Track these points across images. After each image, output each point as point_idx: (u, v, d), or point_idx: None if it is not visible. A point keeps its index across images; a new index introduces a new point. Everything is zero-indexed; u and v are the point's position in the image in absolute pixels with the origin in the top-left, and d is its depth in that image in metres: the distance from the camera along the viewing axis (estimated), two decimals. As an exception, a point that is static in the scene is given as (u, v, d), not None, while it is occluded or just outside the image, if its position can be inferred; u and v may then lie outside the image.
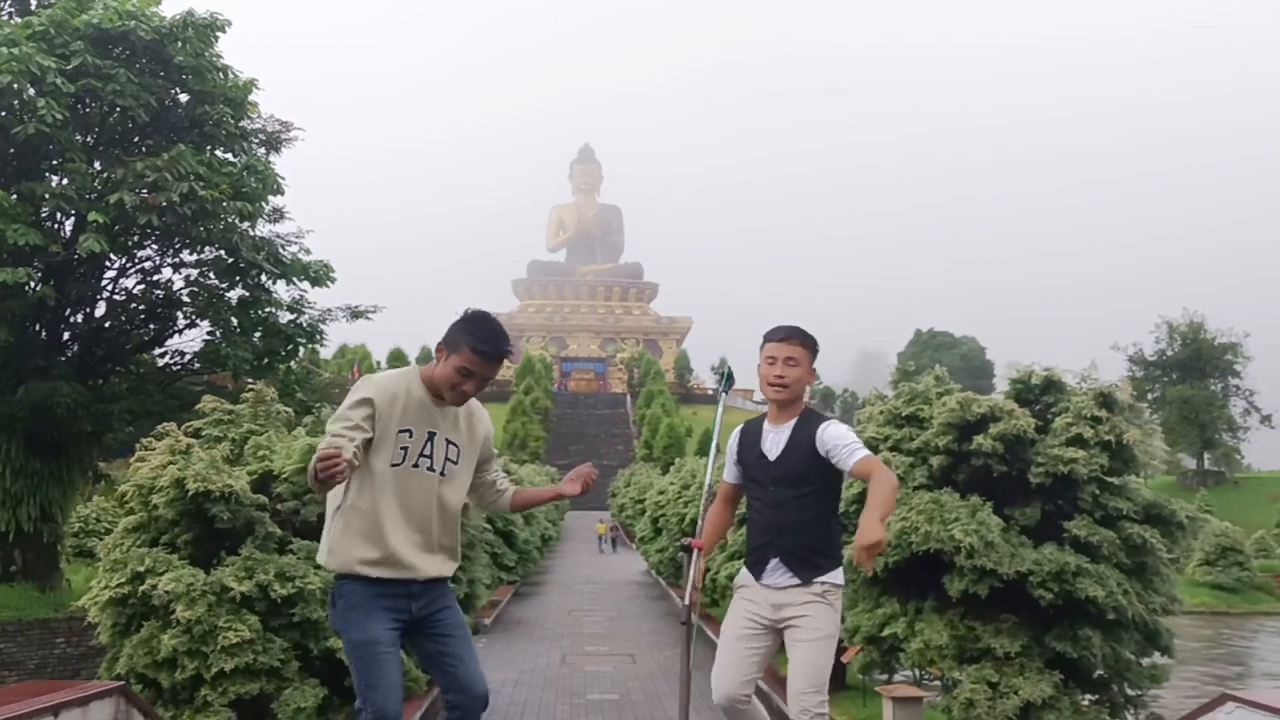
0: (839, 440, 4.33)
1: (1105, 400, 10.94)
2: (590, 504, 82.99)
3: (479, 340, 4.06)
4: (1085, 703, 10.89)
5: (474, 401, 4.32)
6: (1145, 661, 10.95)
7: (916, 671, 13.90)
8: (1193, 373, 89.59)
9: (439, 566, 4.20)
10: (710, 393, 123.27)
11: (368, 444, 3.98)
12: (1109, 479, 10.90)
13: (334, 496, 4.10)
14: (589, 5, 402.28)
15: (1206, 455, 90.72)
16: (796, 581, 4.29)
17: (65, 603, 19.76)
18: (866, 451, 4.36)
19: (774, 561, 4.30)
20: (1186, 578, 50.26)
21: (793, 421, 4.41)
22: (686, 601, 4.06)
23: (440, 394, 4.13)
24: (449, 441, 4.18)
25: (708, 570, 4.15)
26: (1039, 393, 11.59)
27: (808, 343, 4.54)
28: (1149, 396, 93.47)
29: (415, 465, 4.10)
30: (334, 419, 3.97)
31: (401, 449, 4.06)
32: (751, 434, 4.48)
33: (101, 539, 31.18)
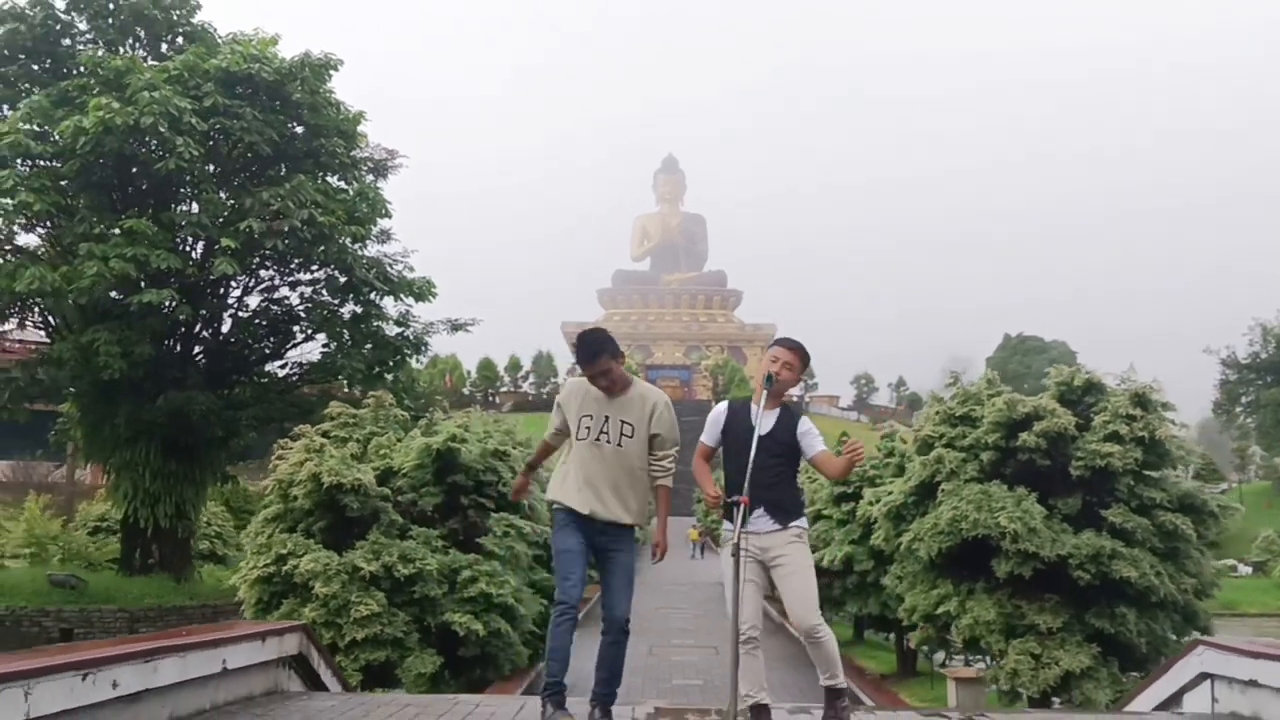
0: (811, 433, 5.82)
1: (1140, 400, 12.05)
2: (677, 509, 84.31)
3: (577, 356, 5.92)
4: (1124, 677, 11.98)
5: (651, 391, 6.10)
6: (1186, 640, 11.96)
7: (963, 655, 15.03)
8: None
9: (616, 513, 5.77)
10: (795, 399, 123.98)
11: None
12: (1146, 471, 12.00)
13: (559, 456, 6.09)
14: (663, 9, 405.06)
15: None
16: (776, 526, 5.67)
17: (198, 592, 21.72)
18: (824, 446, 5.88)
19: (759, 511, 5.65)
20: (1274, 579, 50.10)
21: (779, 409, 5.79)
22: (735, 539, 5.47)
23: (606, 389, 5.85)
24: (622, 421, 5.80)
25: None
26: (1081, 394, 12.73)
27: (803, 355, 5.96)
28: (1242, 400, 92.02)
29: (596, 440, 5.78)
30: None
31: (585, 428, 5.79)
32: (740, 411, 5.84)
33: (213, 540, 33.41)
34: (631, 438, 5.81)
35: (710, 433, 6.00)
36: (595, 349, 5.82)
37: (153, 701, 5.27)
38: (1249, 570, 56.32)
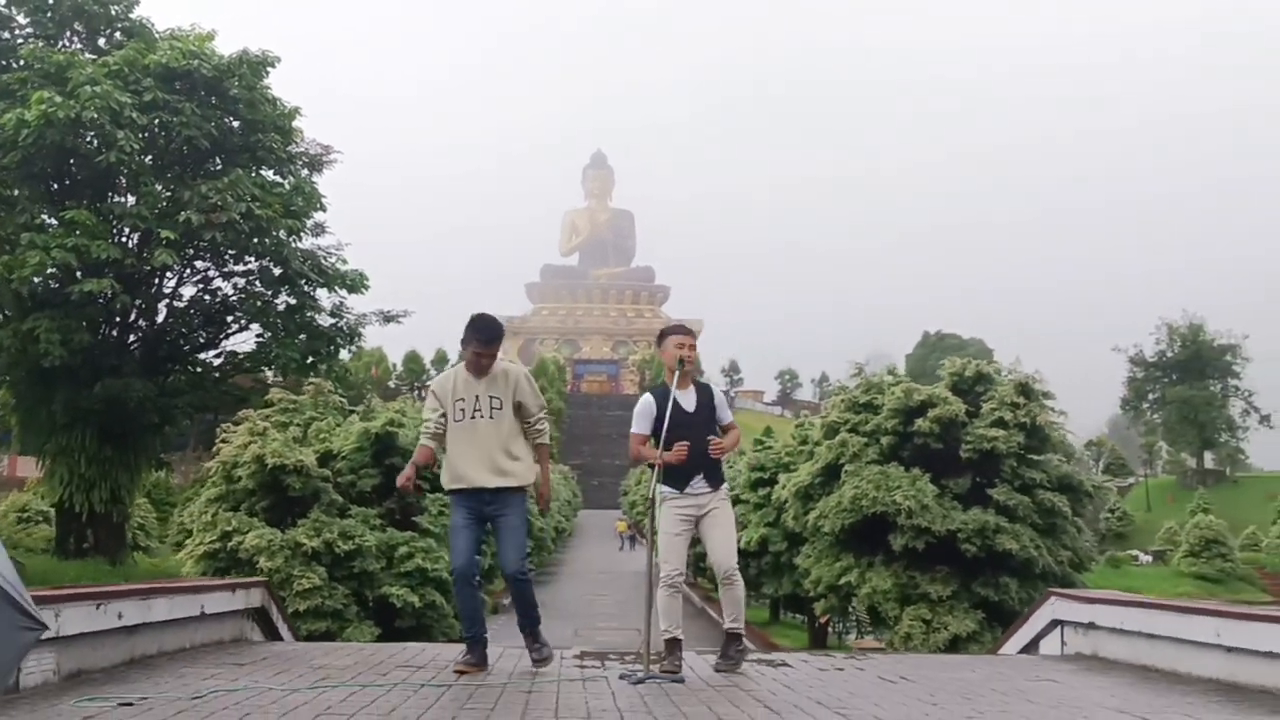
0: (724, 403, 6.95)
1: (1024, 389, 13.25)
2: (602, 502, 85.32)
3: (479, 336, 6.58)
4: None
5: (511, 367, 6.84)
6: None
7: (872, 632, 16.22)
8: (1192, 374, 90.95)
9: (497, 481, 6.57)
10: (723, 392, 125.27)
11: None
12: (1029, 454, 13.20)
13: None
14: (597, 8, 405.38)
15: (1207, 455, 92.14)
16: (709, 489, 6.65)
17: (133, 575, 22.14)
18: (732, 418, 6.97)
19: (698, 477, 6.63)
20: (1172, 568, 52.44)
21: (693, 386, 6.76)
22: (652, 495, 6.47)
23: (475, 372, 6.61)
24: (491, 396, 6.60)
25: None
26: (971, 383, 13.92)
27: (694, 336, 7.03)
28: (1149, 397, 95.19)
29: (471, 418, 6.55)
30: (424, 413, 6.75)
31: (460, 410, 6.55)
32: (662, 396, 6.74)
33: (135, 532, 33.62)
34: (501, 409, 6.60)
35: (642, 423, 6.82)
36: (498, 332, 6.70)
37: (146, 635, 6.11)
38: (1149, 559, 58.76)
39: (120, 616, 5.64)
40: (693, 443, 6.50)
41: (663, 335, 7.00)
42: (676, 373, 6.71)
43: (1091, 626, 7.76)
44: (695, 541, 6.89)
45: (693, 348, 6.83)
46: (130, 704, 4.73)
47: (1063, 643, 8.19)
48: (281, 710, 4.76)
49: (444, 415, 6.61)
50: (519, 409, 6.68)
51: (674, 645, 6.56)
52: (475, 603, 6.60)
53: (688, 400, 6.69)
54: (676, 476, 6.57)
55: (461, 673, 6.20)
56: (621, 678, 6.19)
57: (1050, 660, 7.87)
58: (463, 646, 6.69)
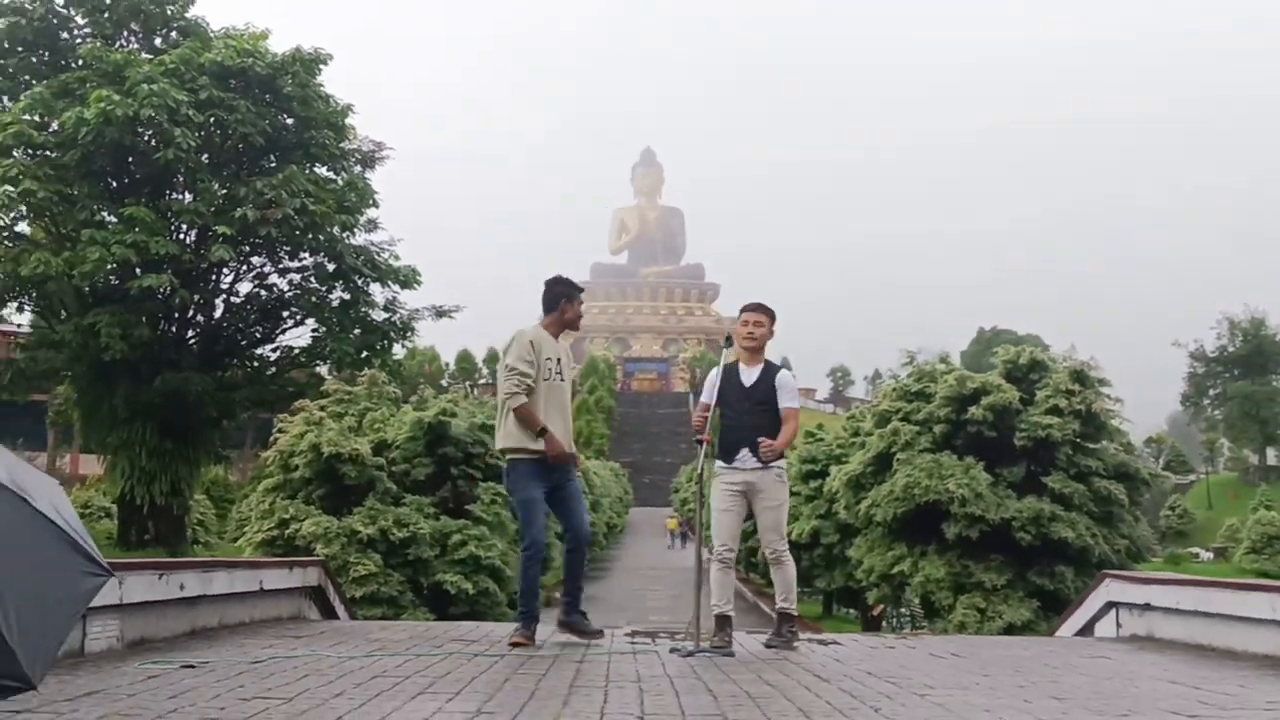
0: (786, 386, 6.76)
1: (1079, 376, 13.12)
2: (653, 500, 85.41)
3: (569, 292, 6.73)
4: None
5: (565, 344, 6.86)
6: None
7: (926, 625, 16.09)
8: (1254, 368, 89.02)
9: (570, 445, 6.63)
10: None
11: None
12: (1084, 442, 13.07)
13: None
14: (640, 5, 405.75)
15: (1270, 451, 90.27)
16: (758, 465, 6.60)
17: (193, 566, 22.55)
18: (796, 403, 6.77)
19: (744, 451, 6.62)
20: (1234, 565, 51.53)
21: (760, 365, 6.76)
22: (702, 472, 6.51)
23: (555, 334, 6.63)
24: (560, 360, 6.62)
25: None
26: (1025, 371, 13.81)
27: (769, 313, 6.94)
28: (1210, 393, 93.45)
29: (556, 378, 6.57)
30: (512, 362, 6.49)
31: (549, 370, 6.52)
32: (731, 371, 6.78)
33: (194, 529, 34.20)
34: (565, 375, 6.68)
35: (707, 393, 6.87)
36: (580, 287, 6.85)
37: (207, 607, 6.25)
38: (1210, 556, 57.81)
39: (182, 588, 5.77)
40: (744, 417, 6.52)
41: (741, 311, 7.03)
42: (725, 346, 6.76)
43: (1147, 608, 7.68)
44: (749, 534, 6.88)
45: (759, 324, 6.81)
46: (192, 666, 4.85)
47: (1118, 625, 8.11)
48: (339, 673, 4.85)
49: (534, 369, 6.45)
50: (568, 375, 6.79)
51: (724, 622, 6.56)
52: (539, 578, 6.66)
53: (749, 376, 6.71)
54: (725, 449, 6.60)
55: (517, 644, 6.24)
56: (672, 651, 6.22)
57: (1105, 641, 7.80)
58: (512, 625, 6.73)
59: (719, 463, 6.63)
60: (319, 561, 8.10)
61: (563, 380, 6.60)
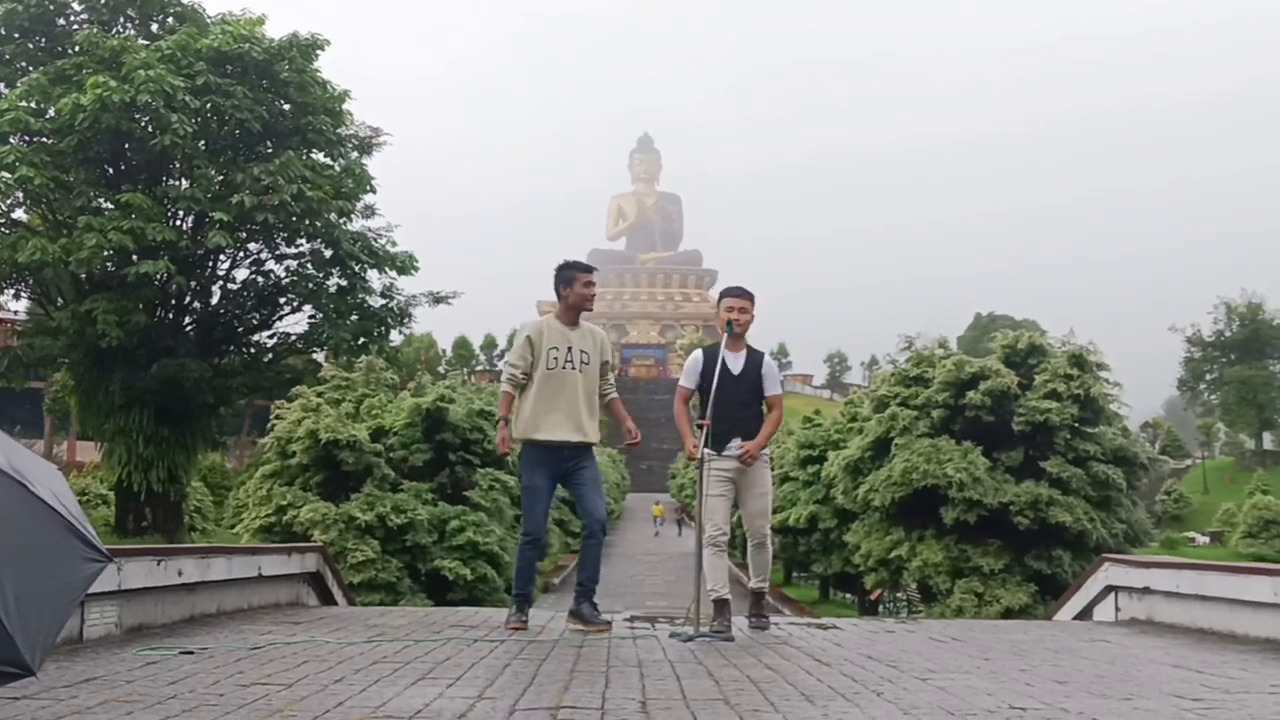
0: (772, 373, 6.82)
1: (1077, 360, 13.10)
2: (650, 486, 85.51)
3: (577, 268, 6.69)
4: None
5: (595, 326, 6.85)
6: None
7: (922, 610, 16.16)
8: (1251, 353, 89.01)
9: (581, 435, 6.58)
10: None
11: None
12: (1082, 426, 13.06)
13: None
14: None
15: (1266, 435, 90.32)
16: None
17: (191, 553, 22.53)
18: (780, 390, 6.82)
19: (735, 440, 6.61)
20: (1229, 549, 51.67)
21: (745, 350, 6.75)
22: (700, 455, 6.50)
23: (574, 317, 6.63)
24: (581, 350, 6.62)
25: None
26: (1024, 355, 13.78)
27: (751, 298, 6.91)
28: (1207, 377, 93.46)
29: (563, 368, 6.53)
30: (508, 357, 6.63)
31: (554, 359, 6.50)
32: (712, 356, 6.73)
33: (192, 515, 34.16)
34: (589, 365, 6.64)
35: (689, 377, 6.86)
36: (580, 266, 6.78)
37: (205, 593, 6.23)
38: (1206, 540, 57.93)
39: (180, 574, 5.76)
40: (734, 406, 6.52)
41: (720, 297, 6.99)
42: (726, 334, 6.70)
43: (1146, 591, 7.68)
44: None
45: (744, 310, 6.79)
46: (191, 653, 4.84)
47: (1117, 608, 8.11)
48: (339, 659, 4.84)
49: (532, 364, 6.52)
50: (602, 368, 6.75)
51: (722, 606, 6.56)
52: (534, 564, 6.68)
53: (735, 363, 6.69)
54: (715, 438, 6.57)
55: (517, 629, 6.25)
56: (672, 636, 6.21)
57: (1104, 625, 7.80)
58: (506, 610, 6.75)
59: (708, 450, 6.62)
60: (317, 548, 8.08)
61: (575, 369, 6.55)
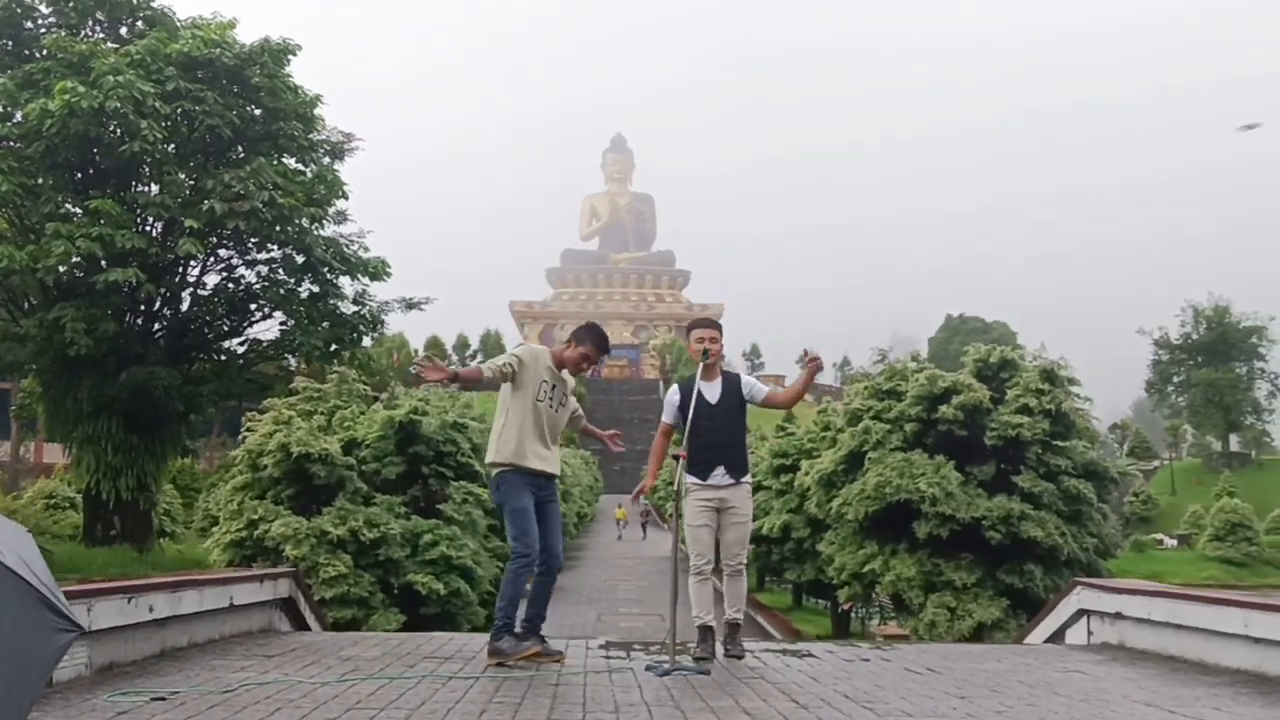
0: (753, 384, 6.92)
1: (1049, 375, 13.20)
2: (624, 487, 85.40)
3: (601, 346, 6.82)
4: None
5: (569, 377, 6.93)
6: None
7: (895, 617, 16.25)
8: (1218, 356, 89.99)
9: (555, 467, 6.73)
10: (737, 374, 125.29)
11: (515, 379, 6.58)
12: (1054, 441, 13.15)
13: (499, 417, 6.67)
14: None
15: (1233, 438, 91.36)
16: (731, 481, 6.72)
17: (160, 563, 22.32)
18: (767, 388, 6.93)
19: (719, 469, 6.69)
20: (1197, 552, 52.14)
21: (720, 378, 6.79)
22: (679, 487, 6.56)
23: (562, 365, 6.75)
24: (563, 392, 6.78)
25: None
26: (996, 369, 13.87)
27: (720, 328, 7.08)
28: (1174, 380, 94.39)
29: (549, 404, 6.65)
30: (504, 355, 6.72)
31: (543, 393, 6.60)
32: (688, 389, 6.79)
33: (161, 517, 33.83)
34: (564, 404, 6.82)
35: (669, 413, 6.95)
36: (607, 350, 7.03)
37: (176, 627, 6.16)
38: (1174, 543, 58.44)
39: (151, 610, 5.69)
40: (715, 435, 6.56)
41: (688, 329, 7.07)
42: (701, 365, 6.74)
43: (1118, 616, 7.73)
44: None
45: (714, 339, 6.85)
46: (163, 699, 4.78)
47: (1089, 632, 8.17)
48: (313, 704, 4.79)
49: (515, 377, 6.59)
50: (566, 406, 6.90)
51: (706, 632, 6.70)
52: (525, 589, 6.59)
53: (712, 392, 6.74)
54: (698, 467, 6.63)
55: (538, 655, 6.34)
56: (648, 669, 6.20)
57: (1077, 650, 7.85)
58: (482, 637, 6.70)
59: (692, 478, 6.69)
60: (290, 572, 8.02)
61: (554, 408, 6.68)
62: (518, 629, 6.58)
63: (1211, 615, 6.60)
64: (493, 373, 6.52)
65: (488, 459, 6.77)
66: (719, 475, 6.65)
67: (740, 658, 6.79)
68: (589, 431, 7.20)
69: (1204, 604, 6.79)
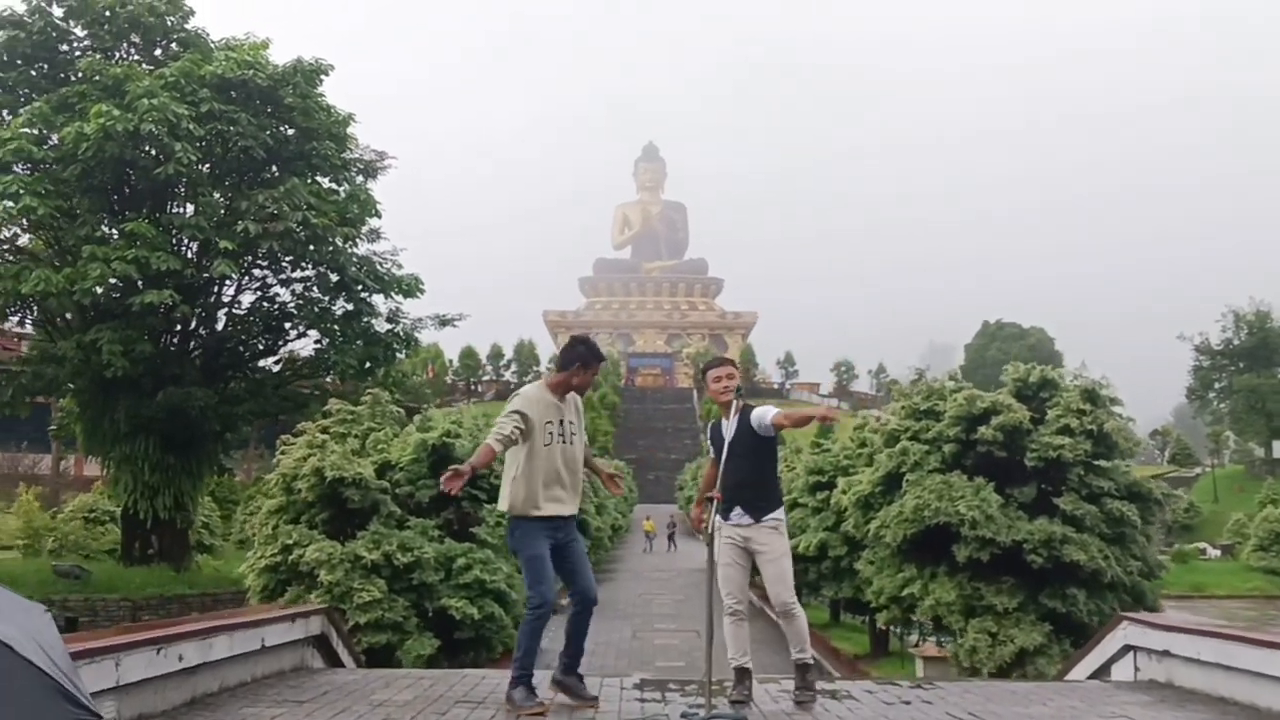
0: (762, 415, 6.63)
1: (1090, 395, 12.96)
2: (658, 496, 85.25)
3: (592, 356, 6.59)
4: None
5: (575, 396, 6.70)
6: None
7: (934, 636, 16.02)
8: (1259, 361, 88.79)
9: (574, 508, 6.54)
10: (776, 386, 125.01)
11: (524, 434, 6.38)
12: (1096, 462, 12.92)
13: (510, 467, 6.46)
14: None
15: (1276, 444, 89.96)
16: (750, 520, 6.58)
17: (197, 581, 22.46)
18: (775, 410, 6.68)
19: (737, 509, 6.59)
20: (1241, 562, 51.32)
21: (737, 415, 6.65)
22: (710, 529, 6.43)
23: (569, 390, 6.51)
24: (569, 421, 6.52)
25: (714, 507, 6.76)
26: (1036, 389, 13.63)
27: (734, 364, 7.05)
28: (1216, 386, 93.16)
29: (559, 442, 6.43)
30: (501, 417, 6.41)
31: (549, 433, 6.39)
32: (716, 426, 6.82)
33: (199, 531, 34.00)
34: (577, 435, 6.57)
35: (713, 450, 6.90)
36: (602, 356, 6.73)
37: (207, 674, 6.10)
38: (1218, 553, 57.57)
39: (181, 659, 5.63)
40: (732, 474, 6.51)
41: (703, 372, 7.03)
42: (721, 404, 6.74)
43: (1166, 654, 7.53)
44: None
45: (730, 376, 6.81)
46: (191, 756, 4.71)
47: (1136, 669, 7.96)
48: (341, 764, 4.71)
49: (523, 434, 6.33)
50: (580, 433, 6.67)
51: (743, 674, 6.59)
52: (542, 638, 6.46)
53: (730, 429, 6.67)
54: (723, 506, 6.58)
55: (537, 714, 6.05)
56: (684, 716, 6.07)
57: (1124, 690, 7.64)
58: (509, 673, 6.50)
59: (718, 517, 6.58)
60: (321, 609, 7.96)
61: (566, 443, 6.45)
62: (557, 668, 6.51)
63: (1263, 658, 6.39)
64: (502, 444, 6.23)
65: (499, 507, 6.64)
66: (737, 515, 6.57)
67: (806, 703, 6.58)
68: (591, 466, 6.95)
69: (1253, 645, 6.58)
